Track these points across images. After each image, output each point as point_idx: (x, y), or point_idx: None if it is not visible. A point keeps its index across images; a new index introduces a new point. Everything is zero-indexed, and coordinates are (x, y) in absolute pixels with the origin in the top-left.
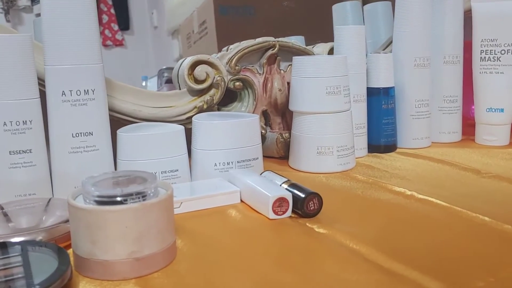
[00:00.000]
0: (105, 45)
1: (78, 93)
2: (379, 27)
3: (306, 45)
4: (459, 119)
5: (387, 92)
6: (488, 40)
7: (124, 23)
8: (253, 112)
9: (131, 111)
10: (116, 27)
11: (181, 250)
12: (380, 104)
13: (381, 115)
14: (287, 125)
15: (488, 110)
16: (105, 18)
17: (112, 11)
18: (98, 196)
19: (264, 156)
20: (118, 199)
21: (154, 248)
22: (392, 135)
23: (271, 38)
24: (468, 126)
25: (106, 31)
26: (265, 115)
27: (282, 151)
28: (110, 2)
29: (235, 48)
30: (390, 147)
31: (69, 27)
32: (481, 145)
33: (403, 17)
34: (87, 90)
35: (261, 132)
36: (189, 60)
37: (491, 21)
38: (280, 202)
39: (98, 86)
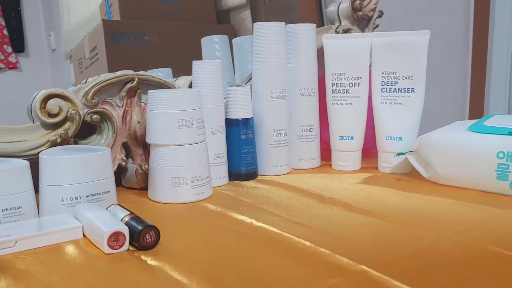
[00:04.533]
0: None
1: None
2: (247, 59)
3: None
4: (317, 146)
5: (246, 123)
6: (338, 74)
7: (18, 45)
8: (113, 144)
9: None
10: (9, 49)
11: None
12: (239, 134)
13: (240, 144)
14: (149, 157)
15: (340, 138)
16: None
17: (5, 32)
18: None
19: (126, 187)
20: None
21: None
22: (252, 164)
23: (131, 72)
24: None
25: None
26: (125, 147)
27: (142, 182)
28: (3, 23)
29: (92, 81)
30: (251, 175)
31: None
32: (336, 170)
33: (260, 53)
34: None
35: (122, 164)
36: (42, 93)
37: (340, 57)
38: (116, 236)
39: None
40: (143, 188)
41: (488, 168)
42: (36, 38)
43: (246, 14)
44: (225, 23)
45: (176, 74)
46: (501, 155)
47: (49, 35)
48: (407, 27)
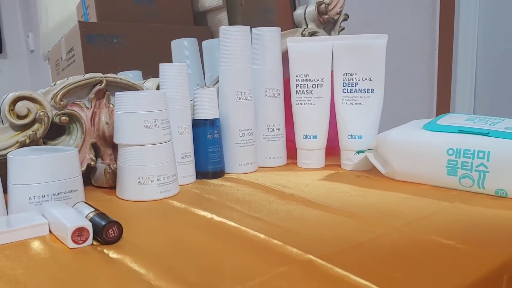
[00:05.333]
0: None
1: None
2: (216, 62)
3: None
4: (283, 145)
5: (213, 123)
6: (302, 75)
7: None
8: (82, 145)
9: None
10: None
11: None
12: (206, 134)
13: (207, 144)
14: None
15: (304, 137)
16: None
17: None
18: None
19: (96, 186)
20: None
21: None
22: (219, 162)
23: (99, 74)
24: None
25: None
26: (95, 147)
27: (110, 181)
28: None
29: (61, 83)
30: (218, 173)
31: None
32: (301, 168)
33: (226, 56)
34: None
35: (91, 164)
36: (10, 96)
37: (304, 59)
38: (79, 232)
39: None
40: (112, 186)
41: (439, 164)
42: (14, 39)
43: (223, 16)
44: (202, 25)
45: (147, 76)
46: (450, 152)
47: (28, 36)
48: (375, 29)
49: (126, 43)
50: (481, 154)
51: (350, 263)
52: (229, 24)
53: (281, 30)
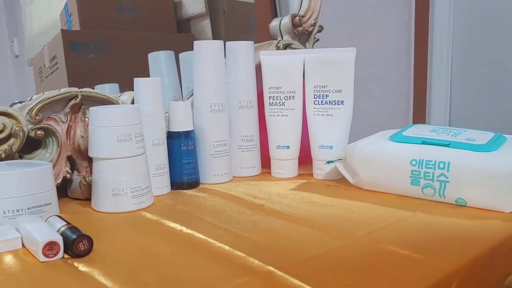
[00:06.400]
0: None
1: None
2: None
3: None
4: (257, 155)
5: (187, 135)
6: (274, 88)
7: None
8: (58, 158)
9: None
10: None
11: None
12: (180, 146)
13: (181, 155)
14: None
15: (277, 147)
16: None
17: None
18: None
19: (72, 198)
20: None
21: None
22: (194, 173)
23: (75, 89)
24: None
25: None
26: (71, 160)
27: (86, 193)
28: None
29: (37, 98)
30: (193, 184)
31: None
32: (274, 178)
33: (199, 70)
34: None
35: (66, 177)
36: None
37: (276, 72)
38: (50, 246)
39: None
40: (88, 198)
41: (403, 174)
42: None
43: (206, 23)
44: (185, 32)
45: (123, 90)
46: (413, 162)
47: (12, 41)
48: (351, 40)
49: (109, 51)
50: (441, 165)
51: (306, 273)
52: (212, 31)
53: (262, 37)
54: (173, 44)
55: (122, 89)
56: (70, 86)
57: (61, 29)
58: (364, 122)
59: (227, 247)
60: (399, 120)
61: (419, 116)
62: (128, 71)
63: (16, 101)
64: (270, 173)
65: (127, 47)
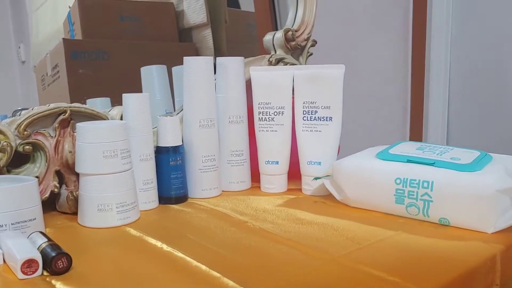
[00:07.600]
0: None
1: None
2: None
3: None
4: (247, 170)
5: (176, 150)
6: (264, 103)
7: None
8: (46, 172)
9: None
10: None
11: None
12: (169, 161)
13: (169, 170)
14: None
15: (266, 162)
16: None
17: None
18: None
19: (60, 212)
20: None
21: None
22: (182, 188)
23: (64, 104)
24: None
25: None
26: (59, 174)
27: (73, 207)
28: None
29: (25, 114)
30: (181, 198)
31: None
32: (263, 192)
33: (189, 85)
34: None
35: (54, 191)
36: None
37: (266, 87)
38: (29, 263)
39: None
40: (75, 212)
41: (387, 192)
42: (5, 50)
43: (207, 33)
44: (187, 41)
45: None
46: (398, 181)
47: (19, 47)
48: (348, 53)
49: (110, 60)
50: (425, 184)
51: None
52: (214, 41)
53: (263, 47)
54: (174, 53)
55: (119, 101)
56: (71, 94)
57: (63, 38)
58: (361, 136)
59: (204, 267)
60: (397, 134)
61: (417, 130)
62: (129, 80)
63: (19, 108)
64: (259, 187)
65: (128, 56)
